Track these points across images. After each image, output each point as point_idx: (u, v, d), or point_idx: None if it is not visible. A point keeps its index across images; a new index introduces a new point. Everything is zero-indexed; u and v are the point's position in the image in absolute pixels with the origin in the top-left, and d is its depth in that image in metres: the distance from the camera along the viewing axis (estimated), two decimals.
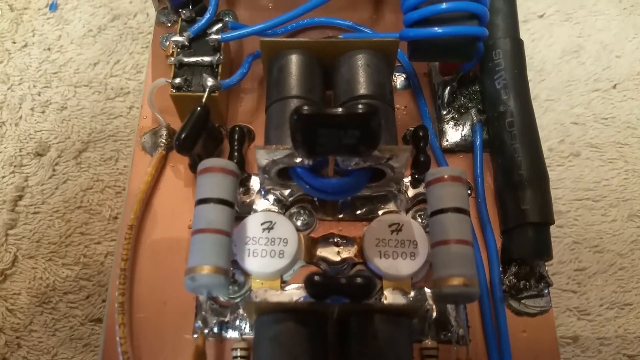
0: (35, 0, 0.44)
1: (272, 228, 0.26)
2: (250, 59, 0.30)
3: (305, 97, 0.26)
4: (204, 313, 0.25)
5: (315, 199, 0.28)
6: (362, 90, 0.26)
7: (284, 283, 0.26)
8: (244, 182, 0.28)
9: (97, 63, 0.42)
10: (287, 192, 0.27)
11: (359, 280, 0.20)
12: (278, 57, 0.27)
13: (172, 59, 0.29)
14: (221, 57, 0.29)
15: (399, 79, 0.32)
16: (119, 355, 0.25)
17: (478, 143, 0.29)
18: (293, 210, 0.28)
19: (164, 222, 0.28)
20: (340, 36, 0.33)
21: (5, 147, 0.39)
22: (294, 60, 0.27)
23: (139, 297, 0.27)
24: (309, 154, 0.22)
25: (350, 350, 0.22)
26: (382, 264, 0.25)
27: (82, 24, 0.43)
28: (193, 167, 0.27)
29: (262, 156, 0.24)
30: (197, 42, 0.29)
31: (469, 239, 0.23)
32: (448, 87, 0.30)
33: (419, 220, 0.27)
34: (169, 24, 0.33)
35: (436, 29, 0.25)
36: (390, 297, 0.25)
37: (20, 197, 0.37)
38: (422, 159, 0.27)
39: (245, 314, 0.25)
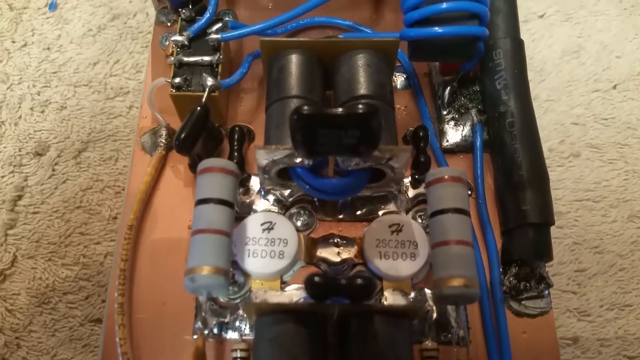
0: (35, 0, 0.44)
1: (272, 228, 0.26)
2: (250, 59, 0.30)
3: (306, 97, 0.26)
4: (203, 314, 0.25)
5: (315, 199, 0.28)
6: (362, 90, 0.26)
7: (284, 284, 0.26)
8: (243, 183, 0.28)
9: (96, 62, 0.42)
10: (287, 192, 0.27)
11: (359, 281, 0.20)
12: (278, 57, 0.27)
13: (172, 58, 0.28)
14: (221, 56, 0.29)
15: (399, 79, 0.32)
16: (119, 356, 0.24)
17: (478, 143, 0.29)
18: (293, 210, 0.28)
19: (163, 223, 0.28)
20: (340, 36, 0.33)
21: (4, 147, 0.39)
22: (294, 60, 0.27)
23: (139, 297, 0.26)
24: (309, 154, 0.22)
25: (350, 351, 0.22)
26: (382, 265, 0.25)
27: (81, 23, 0.43)
28: (193, 167, 0.27)
29: (262, 156, 0.24)
30: (197, 42, 0.29)
31: (469, 239, 0.23)
32: (448, 87, 0.30)
33: (419, 220, 0.27)
34: (169, 24, 0.33)
35: (436, 28, 0.25)
36: (390, 298, 0.25)
37: (19, 197, 0.37)
38: (422, 160, 0.27)
39: (245, 315, 0.25)
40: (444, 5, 0.25)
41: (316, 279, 0.20)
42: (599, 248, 0.37)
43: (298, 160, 0.24)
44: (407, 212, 0.28)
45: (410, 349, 0.22)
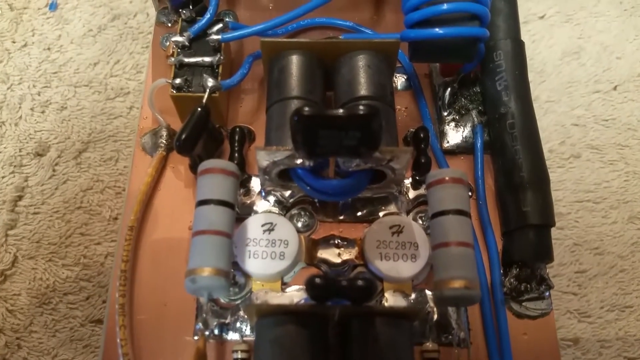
0: (35, 0, 0.44)
1: (272, 229, 0.26)
2: (250, 60, 0.30)
3: (306, 98, 0.26)
4: (204, 315, 0.25)
5: (316, 200, 0.28)
6: (363, 91, 0.26)
7: (284, 285, 0.26)
8: (244, 184, 0.28)
9: (97, 63, 0.42)
10: (287, 193, 0.27)
11: (359, 282, 0.20)
12: (279, 58, 0.27)
13: (173, 59, 0.28)
14: (221, 57, 0.29)
15: (399, 80, 0.32)
16: (120, 356, 0.24)
17: (479, 144, 0.29)
18: (294, 211, 0.28)
19: (164, 223, 0.28)
20: (341, 37, 0.33)
21: (5, 147, 0.39)
22: (295, 60, 0.27)
23: (140, 298, 0.26)
24: (309, 155, 0.22)
25: (351, 352, 0.22)
26: (383, 266, 0.25)
27: (82, 23, 0.43)
28: (193, 168, 0.27)
29: (262, 157, 0.24)
30: (198, 43, 0.29)
31: (470, 241, 0.23)
32: (449, 88, 0.30)
33: (420, 222, 0.27)
34: (169, 24, 0.33)
35: (437, 30, 0.25)
36: (391, 299, 0.25)
37: (20, 198, 0.37)
38: (422, 161, 0.27)
39: (245, 316, 0.25)
40: (445, 6, 0.25)
41: (317, 280, 0.20)
42: (600, 249, 0.37)
43: (299, 161, 0.24)
44: (407, 213, 0.28)
45: (411, 350, 0.22)
